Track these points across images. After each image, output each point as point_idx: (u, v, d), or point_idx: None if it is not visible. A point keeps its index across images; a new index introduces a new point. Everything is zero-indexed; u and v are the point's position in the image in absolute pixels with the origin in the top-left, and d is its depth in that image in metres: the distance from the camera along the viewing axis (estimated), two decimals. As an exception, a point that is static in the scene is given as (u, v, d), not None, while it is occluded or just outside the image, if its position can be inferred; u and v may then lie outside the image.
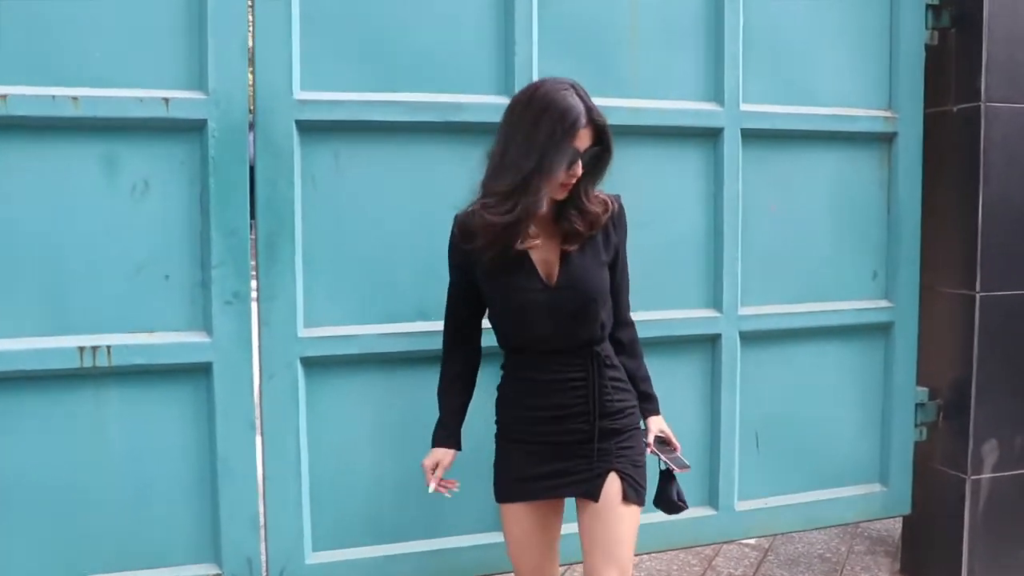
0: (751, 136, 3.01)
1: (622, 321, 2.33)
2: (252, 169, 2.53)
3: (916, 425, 3.33)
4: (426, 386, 2.61)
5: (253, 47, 2.50)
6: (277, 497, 2.60)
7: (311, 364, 2.61)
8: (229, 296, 2.50)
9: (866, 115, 3.17)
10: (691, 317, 3.00)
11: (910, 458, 3.34)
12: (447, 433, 2.30)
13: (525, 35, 2.72)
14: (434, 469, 2.27)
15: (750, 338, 3.05)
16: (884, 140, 3.21)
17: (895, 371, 3.27)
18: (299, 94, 2.54)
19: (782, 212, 3.09)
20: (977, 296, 3.18)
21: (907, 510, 3.39)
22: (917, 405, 3.32)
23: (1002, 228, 3.19)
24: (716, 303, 3.01)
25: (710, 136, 2.97)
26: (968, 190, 3.18)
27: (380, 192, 2.66)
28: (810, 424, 3.19)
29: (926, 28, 3.25)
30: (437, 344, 2.49)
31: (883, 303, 3.25)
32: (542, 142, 1.99)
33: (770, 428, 3.14)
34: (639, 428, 2.30)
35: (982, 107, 3.14)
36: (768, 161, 3.06)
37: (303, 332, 2.59)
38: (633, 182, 2.76)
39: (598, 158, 2.10)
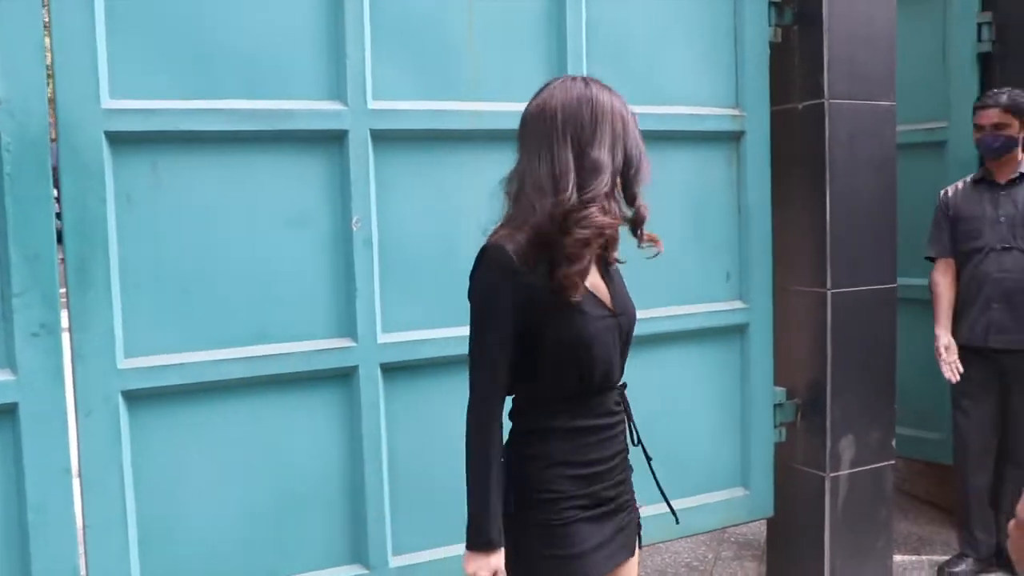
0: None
1: None
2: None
3: (775, 426, 3.35)
4: (270, 414, 2.48)
5: (51, 50, 2.27)
6: (100, 547, 2.38)
7: (134, 398, 2.41)
8: (35, 328, 2.27)
9: (714, 114, 3.16)
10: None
11: (771, 460, 3.35)
12: (499, 530, 1.80)
13: (357, 38, 2.59)
14: None
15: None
16: (732, 139, 3.21)
17: (752, 372, 3.27)
18: (107, 103, 2.34)
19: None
20: (828, 293, 3.20)
21: (770, 512, 3.39)
22: (775, 406, 3.34)
23: (849, 225, 3.23)
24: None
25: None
26: (816, 188, 3.21)
27: (207, 208, 2.48)
28: (671, 430, 3.15)
29: (769, 25, 3.26)
30: (280, 367, 2.35)
31: (737, 304, 3.25)
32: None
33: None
34: None
35: (826, 104, 3.17)
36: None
37: (123, 363, 2.39)
38: (474, 188, 2.65)
39: None
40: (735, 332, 3.26)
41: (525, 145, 1.85)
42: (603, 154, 1.81)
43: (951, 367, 3.51)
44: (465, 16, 2.75)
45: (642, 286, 3.03)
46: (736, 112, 3.19)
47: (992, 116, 3.51)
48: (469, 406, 1.84)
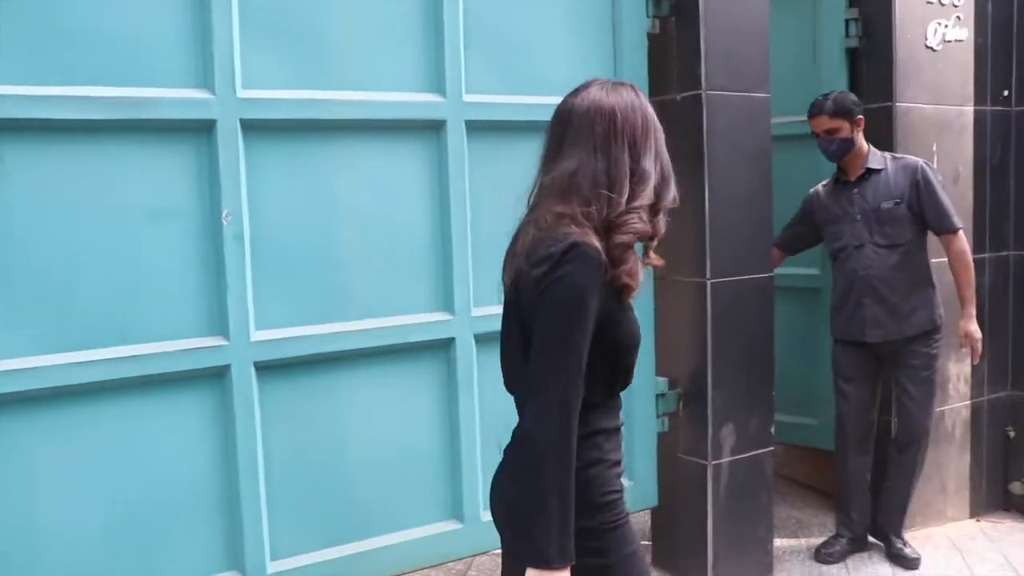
0: (477, 128, 2.92)
1: None
2: None
3: (658, 416, 3.37)
4: (137, 418, 2.41)
5: None
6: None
7: (-16, 405, 2.25)
8: None
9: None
10: (423, 322, 2.86)
11: (654, 450, 3.39)
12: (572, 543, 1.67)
13: (224, 23, 2.50)
14: None
15: (487, 340, 2.92)
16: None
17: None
18: (-58, 88, 2.18)
19: (513, 206, 2.99)
20: (708, 283, 3.24)
21: (654, 501, 3.44)
22: (658, 396, 3.37)
23: (728, 215, 3.28)
24: (448, 305, 2.88)
25: (433, 129, 2.86)
26: (695, 178, 3.24)
27: (59, 201, 2.35)
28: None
29: (647, 16, 3.28)
30: (146, 368, 2.32)
31: (619, 296, 3.23)
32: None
33: (504, 436, 3.03)
34: None
35: (703, 95, 3.21)
36: (498, 154, 2.98)
37: (-29, 368, 2.23)
38: (352, 179, 2.60)
39: None
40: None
41: (577, 141, 1.77)
42: (650, 164, 1.80)
43: None
44: (340, 3, 2.67)
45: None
46: (617, 104, 3.19)
47: (822, 123, 3.60)
48: (545, 410, 1.65)
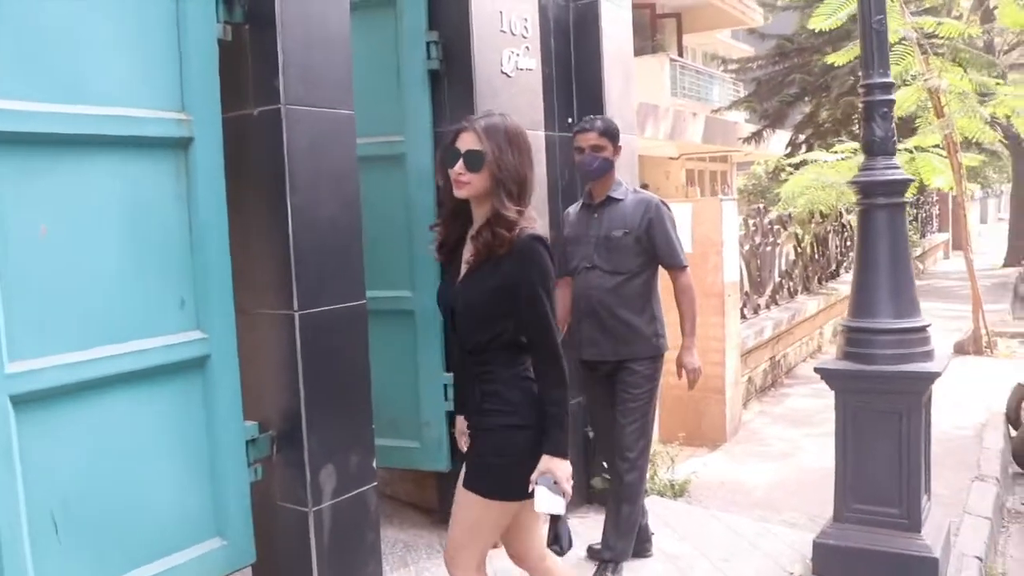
0: (8, 141, 2.24)
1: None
2: None
3: (250, 464, 2.88)
4: None
5: None
6: None
7: None
8: None
9: (154, 117, 2.60)
10: None
11: (247, 502, 2.89)
12: None
13: None
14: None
15: (28, 401, 2.29)
16: (179, 146, 2.68)
17: (218, 409, 2.78)
18: None
19: (57, 235, 2.35)
20: (296, 315, 2.82)
21: (252, 559, 2.94)
22: (248, 442, 2.87)
23: (314, 240, 2.89)
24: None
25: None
26: (276, 200, 2.81)
27: None
28: (124, 492, 2.54)
29: (218, 22, 2.78)
30: None
31: (196, 334, 2.72)
32: None
33: (73, 508, 2.41)
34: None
35: (282, 109, 2.78)
36: (35, 172, 2.33)
37: None
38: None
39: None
40: (194, 366, 2.72)
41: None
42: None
43: None
44: None
45: (75, 322, 2.39)
46: (182, 116, 2.66)
47: (591, 139, 3.52)
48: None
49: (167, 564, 2.63)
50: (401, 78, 3.81)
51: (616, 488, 3.62)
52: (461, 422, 2.65)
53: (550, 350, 2.30)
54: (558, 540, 2.37)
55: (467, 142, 2.26)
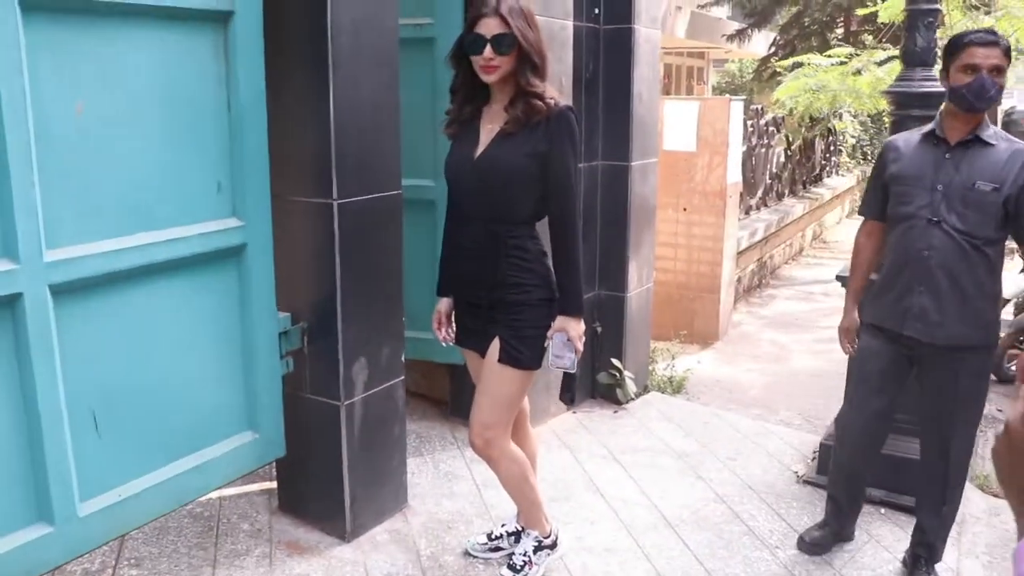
0: (36, 8, 1.96)
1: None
2: None
3: (282, 357, 2.71)
4: None
5: None
6: None
7: None
8: None
9: (193, -13, 2.29)
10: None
11: (280, 396, 2.75)
12: None
13: None
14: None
15: (66, 291, 2.08)
16: (219, 20, 2.39)
17: (252, 300, 2.60)
18: None
19: (94, 114, 2.11)
20: (335, 204, 2.60)
21: (282, 452, 2.82)
22: (280, 334, 2.69)
23: (355, 125, 2.66)
24: (9, 250, 1.96)
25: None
26: (318, 82, 2.56)
27: None
28: (162, 384, 2.39)
29: None
30: None
31: (232, 222, 2.51)
32: None
33: (112, 402, 2.26)
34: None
35: (324, -17, 2.47)
36: (68, 44, 2.05)
37: None
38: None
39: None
40: (231, 255, 2.52)
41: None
42: None
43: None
44: None
45: (112, 208, 2.17)
46: (219, -14, 2.37)
47: (993, 56, 2.51)
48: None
49: (201, 458, 2.50)
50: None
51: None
52: (446, 303, 2.61)
53: (571, 215, 2.36)
54: (570, 391, 2.52)
55: (491, 27, 2.23)
